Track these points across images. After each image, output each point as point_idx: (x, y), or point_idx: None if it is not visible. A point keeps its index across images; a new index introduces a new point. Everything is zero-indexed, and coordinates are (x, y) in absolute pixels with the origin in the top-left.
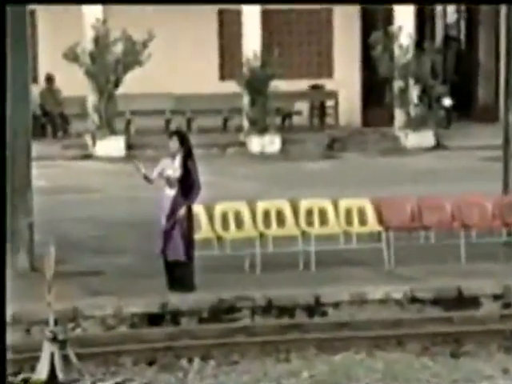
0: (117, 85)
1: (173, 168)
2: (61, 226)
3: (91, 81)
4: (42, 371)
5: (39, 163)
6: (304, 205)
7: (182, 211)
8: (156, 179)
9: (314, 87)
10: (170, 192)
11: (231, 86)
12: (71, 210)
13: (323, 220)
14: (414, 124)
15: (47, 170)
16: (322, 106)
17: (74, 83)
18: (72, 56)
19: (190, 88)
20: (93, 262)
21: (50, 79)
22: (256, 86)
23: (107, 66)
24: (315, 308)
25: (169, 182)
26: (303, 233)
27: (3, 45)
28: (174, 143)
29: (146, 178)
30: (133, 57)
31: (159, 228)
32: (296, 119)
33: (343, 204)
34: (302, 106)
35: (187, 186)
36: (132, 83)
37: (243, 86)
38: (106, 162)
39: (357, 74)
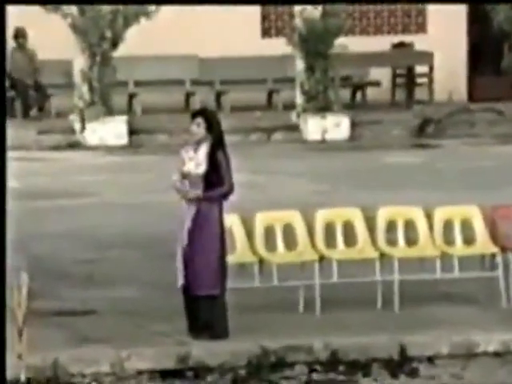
0: (115, 44)
1: (195, 161)
2: (37, 245)
3: (79, 38)
4: None
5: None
6: (383, 215)
7: (211, 223)
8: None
9: (399, 46)
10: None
11: (278, 46)
12: (52, 222)
13: (411, 237)
14: None
15: (17, 165)
16: (410, 74)
17: (54, 41)
18: (52, 4)
19: (220, 48)
20: (81, 297)
21: (19, 35)
22: (314, 45)
23: (101, 17)
24: (400, 363)
25: (189, 181)
26: (382, 255)
27: (3, 45)
28: (198, 127)
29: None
30: (137, 5)
31: (177, 248)
32: (372, 92)
33: (440, 214)
34: (381, 73)
35: (215, 186)
36: (137, 42)
37: (296, 45)
38: (100, 154)
39: (461, 28)
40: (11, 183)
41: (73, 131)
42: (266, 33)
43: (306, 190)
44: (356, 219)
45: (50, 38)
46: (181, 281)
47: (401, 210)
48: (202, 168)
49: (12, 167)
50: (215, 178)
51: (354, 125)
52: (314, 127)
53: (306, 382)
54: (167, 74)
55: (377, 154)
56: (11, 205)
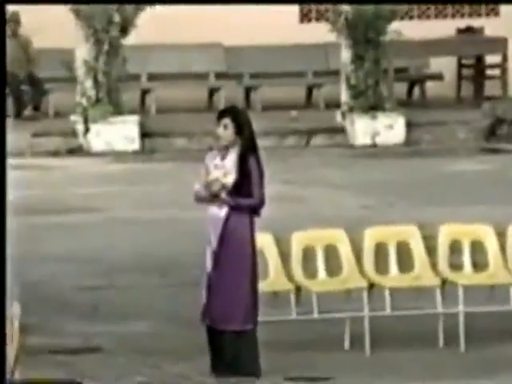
0: (125, 30)
1: (223, 170)
2: (32, 270)
3: (83, 24)
4: None
5: None
6: (445, 234)
7: (240, 243)
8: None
9: (465, 32)
10: (219, 211)
11: (320, 32)
12: (49, 243)
13: (479, 260)
14: None
15: (10, 175)
16: (479, 65)
17: (52, 27)
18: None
19: (251, 36)
20: (84, 331)
21: (11, 20)
22: (364, 30)
23: None
24: None
25: (214, 193)
26: (444, 282)
27: (3, 44)
28: (225, 129)
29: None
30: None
31: (201, 274)
32: (433, 87)
33: None
34: (444, 64)
35: (245, 198)
36: (150, 28)
37: (341, 31)
38: (106, 161)
39: None
40: None
41: (74, 134)
42: (304, 16)
43: (353, 205)
44: (412, 239)
45: (48, 22)
46: (204, 312)
47: (466, 227)
48: (230, 178)
49: None
50: (245, 190)
51: (410, 126)
52: (362, 129)
53: None
54: (187, 66)
55: (438, 162)
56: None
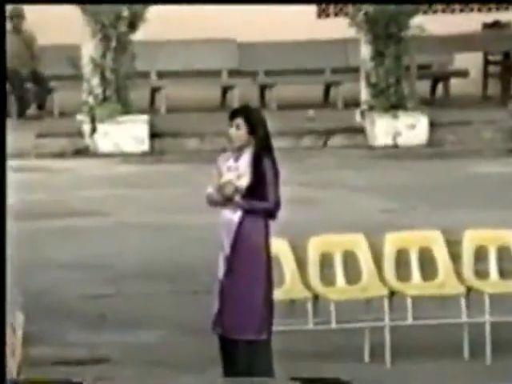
0: (133, 25)
1: (236, 172)
2: (36, 277)
3: (89, 19)
4: None
5: None
6: (470, 239)
7: (255, 248)
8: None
9: (492, 27)
10: (232, 215)
11: (338, 28)
12: (54, 248)
13: (506, 267)
14: None
15: (11, 177)
16: (507, 61)
17: (57, 22)
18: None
19: (265, 31)
20: (90, 341)
21: (14, 15)
22: (385, 25)
23: None
24: None
25: (227, 196)
26: (469, 290)
27: (3, 44)
28: (238, 129)
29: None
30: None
31: (212, 281)
32: (457, 85)
33: None
34: (469, 60)
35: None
36: (160, 24)
37: (361, 26)
38: (114, 163)
39: None
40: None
41: (80, 134)
42: (322, 11)
43: (373, 208)
44: (436, 245)
45: (53, 17)
46: (216, 321)
47: (493, 233)
48: (244, 180)
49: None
50: (260, 193)
51: (433, 126)
52: (382, 129)
53: None
54: (198, 63)
55: (462, 163)
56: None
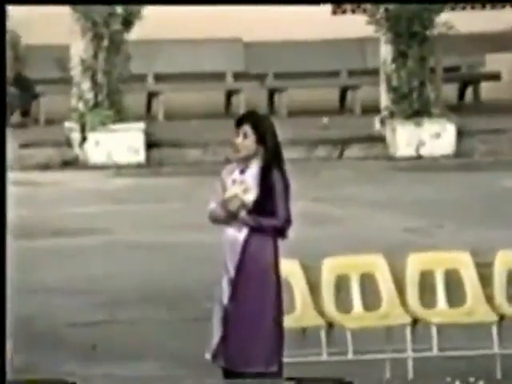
0: (128, 23)
1: (242, 185)
2: (23, 302)
3: (79, 16)
4: None
5: None
6: (503, 261)
7: (263, 270)
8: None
9: None
10: (238, 233)
11: (356, 26)
12: (43, 271)
13: None
14: None
15: None
16: None
17: (44, 21)
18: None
19: (275, 30)
20: (81, 373)
21: None
22: (407, 23)
23: None
24: None
25: (232, 212)
26: (502, 318)
27: (3, 45)
28: (245, 138)
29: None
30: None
31: (216, 307)
32: (488, 89)
33: None
34: (502, 62)
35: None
36: (158, 22)
37: (381, 24)
38: (107, 175)
39: None
40: None
41: (69, 144)
42: (338, 7)
43: (394, 226)
44: (464, 267)
45: (39, 15)
46: (218, 352)
47: None
48: (251, 194)
49: None
50: (268, 208)
51: (461, 135)
52: (405, 138)
53: None
54: (200, 65)
55: (494, 176)
56: None
